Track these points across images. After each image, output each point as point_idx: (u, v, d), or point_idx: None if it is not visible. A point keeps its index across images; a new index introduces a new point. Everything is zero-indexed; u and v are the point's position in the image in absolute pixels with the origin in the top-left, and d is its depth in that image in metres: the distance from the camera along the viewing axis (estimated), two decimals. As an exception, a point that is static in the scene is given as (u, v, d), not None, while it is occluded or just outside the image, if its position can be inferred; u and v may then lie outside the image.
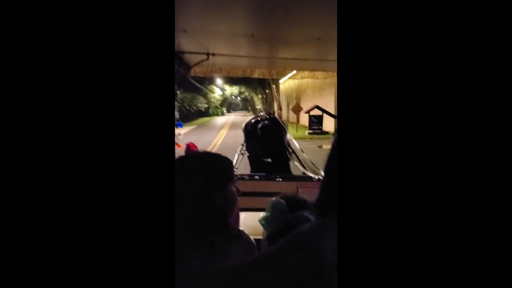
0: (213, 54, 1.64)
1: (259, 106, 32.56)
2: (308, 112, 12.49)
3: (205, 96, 34.21)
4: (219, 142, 11.42)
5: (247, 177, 1.96)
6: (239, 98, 46.45)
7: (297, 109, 13.54)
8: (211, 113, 37.70)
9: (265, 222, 0.79)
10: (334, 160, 0.56)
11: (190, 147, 1.02)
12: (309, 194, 1.60)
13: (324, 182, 0.59)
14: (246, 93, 32.53)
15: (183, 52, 1.55)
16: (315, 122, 12.32)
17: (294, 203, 0.82)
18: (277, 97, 19.77)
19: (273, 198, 0.86)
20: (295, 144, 2.80)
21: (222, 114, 43.28)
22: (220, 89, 36.54)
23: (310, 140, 11.23)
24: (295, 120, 20.81)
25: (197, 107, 31.38)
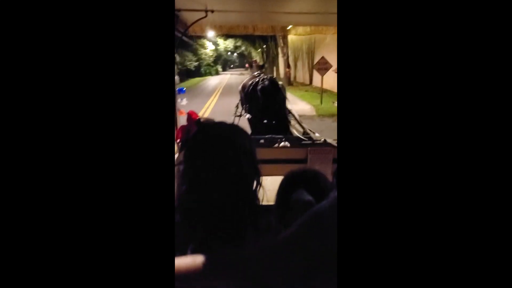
0: (212, 11, 1.53)
1: (260, 63, 27.90)
2: (341, 71, 7.93)
3: (195, 52, 28.88)
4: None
5: None
6: (235, 54, 41.06)
7: (323, 67, 8.74)
8: (202, 72, 32.57)
9: (289, 219, 0.67)
10: None
11: (191, 116, 1.09)
12: (319, 160, 1.43)
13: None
14: (243, 48, 27.57)
15: (179, 10, 1.47)
16: (352, 88, 7.73)
17: (302, 178, 0.76)
18: (285, 52, 15.00)
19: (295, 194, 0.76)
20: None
21: (216, 73, 38.05)
22: (212, 44, 31.15)
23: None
24: (306, 80, 16.45)
25: (185, 66, 26.33)
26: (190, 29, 1.79)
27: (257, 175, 0.62)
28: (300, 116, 6.83)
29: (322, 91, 9.40)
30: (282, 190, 0.78)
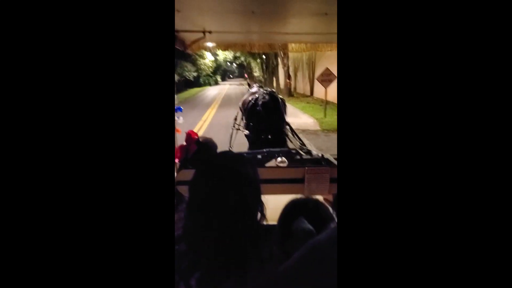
0: (210, 32, 1.56)
1: (257, 73, 27.95)
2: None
3: (193, 62, 28.64)
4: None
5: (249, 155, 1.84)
6: (234, 64, 41.04)
7: (327, 78, 8.29)
8: (201, 82, 32.29)
9: (290, 246, 0.68)
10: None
11: (190, 136, 1.07)
12: (316, 180, 1.42)
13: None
14: (242, 58, 27.46)
15: (178, 31, 1.49)
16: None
17: (303, 208, 0.76)
18: (285, 62, 14.66)
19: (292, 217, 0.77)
20: None
21: (216, 83, 37.82)
22: (211, 55, 31.00)
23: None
24: (307, 91, 16.11)
25: (184, 76, 26.02)
26: (188, 47, 1.82)
27: (261, 206, 0.61)
28: (303, 131, 6.38)
29: (326, 104, 8.90)
30: (284, 218, 0.76)
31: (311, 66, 14.94)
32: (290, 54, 16.18)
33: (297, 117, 8.56)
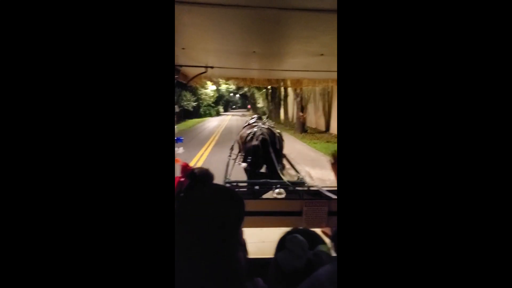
0: (212, 67, 1.67)
1: (260, 104, 26.06)
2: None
3: (194, 92, 26.83)
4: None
5: (244, 185, 1.94)
6: (237, 95, 39.57)
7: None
8: (202, 113, 30.32)
9: (283, 259, 0.71)
10: None
11: (184, 168, 1.02)
12: (314, 212, 1.42)
13: None
14: (246, 89, 25.71)
15: (181, 66, 1.58)
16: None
17: (307, 238, 0.76)
18: (298, 93, 12.41)
19: (288, 233, 0.79)
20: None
21: (218, 114, 35.94)
22: (213, 84, 29.38)
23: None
24: (320, 125, 13.82)
25: (182, 106, 24.00)
26: (191, 81, 1.89)
27: (244, 252, 0.62)
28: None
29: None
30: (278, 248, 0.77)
31: (327, 97, 12.72)
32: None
33: (325, 168, 5.90)
